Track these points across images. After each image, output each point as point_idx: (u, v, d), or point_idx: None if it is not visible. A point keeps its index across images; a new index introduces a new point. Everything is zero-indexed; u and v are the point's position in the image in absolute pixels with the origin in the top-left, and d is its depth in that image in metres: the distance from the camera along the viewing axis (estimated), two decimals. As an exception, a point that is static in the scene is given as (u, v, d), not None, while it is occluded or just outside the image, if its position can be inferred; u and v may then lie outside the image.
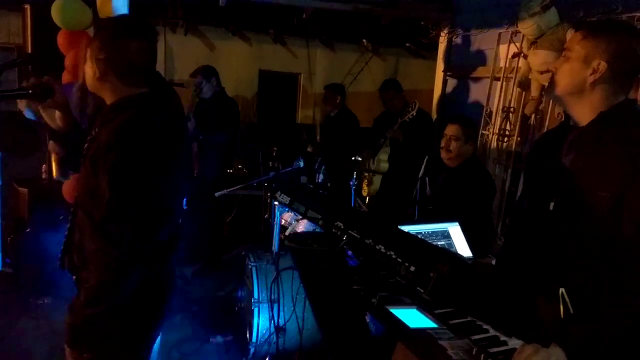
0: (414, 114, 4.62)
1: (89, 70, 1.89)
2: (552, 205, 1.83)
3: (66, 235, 2.03)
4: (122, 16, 2.08)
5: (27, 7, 4.38)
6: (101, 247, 1.77)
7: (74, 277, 2.00)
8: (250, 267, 3.53)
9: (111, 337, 1.88)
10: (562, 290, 1.72)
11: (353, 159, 4.68)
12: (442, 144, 3.50)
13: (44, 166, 4.77)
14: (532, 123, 4.25)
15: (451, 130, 3.47)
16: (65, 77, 4.03)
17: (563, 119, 1.98)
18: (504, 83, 4.63)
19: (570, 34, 1.86)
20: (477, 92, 5.20)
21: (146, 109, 1.87)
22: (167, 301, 2.06)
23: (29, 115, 2.17)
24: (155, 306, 2.01)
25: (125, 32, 1.91)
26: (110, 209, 1.74)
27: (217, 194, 4.10)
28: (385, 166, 4.94)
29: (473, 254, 2.72)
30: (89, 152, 1.87)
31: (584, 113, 1.80)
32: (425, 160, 3.63)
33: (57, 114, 2.02)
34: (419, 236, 2.62)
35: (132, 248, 1.77)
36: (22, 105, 2.15)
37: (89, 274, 1.81)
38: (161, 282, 2.02)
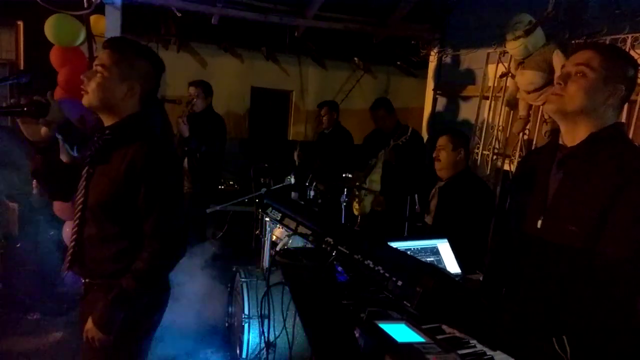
0: (407, 137, 4.65)
1: (116, 92, 2.00)
2: (539, 222, 1.86)
3: (73, 246, 2.10)
4: (132, 39, 2.20)
5: (20, 23, 4.41)
6: (152, 244, 2.01)
7: (84, 280, 2.15)
8: (240, 282, 3.54)
9: (134, 325, 2.09)
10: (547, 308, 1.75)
11: (344, 175, 4.71)
12: (434, 155, 3.60)
13: (35, 181, 4.77)
14: (519, 141, 4.32)
15: (440, 141, 3.61)
16: (58, 93, 4.06)
17: (550, 138, 2.02)
18: (493, 102, 4.70)
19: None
20: (466, 111, 5.28)
21: (157, 122, 2.12)
22: (167, 300, 2.25)
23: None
24: (162, 303, 2.22)
25: (146, 53, 2.11)
26: (162, 211, 2.00)
27: (208, 210, 4.11)
28: (377, 186, 4.97)
29: (461, 270, 2.75)
30: (102, 166, 2.02)
31: (578, 133, 1.81)
32: (409, 199, 3.71)
33: (43, 129, 2.03)
34: (408, 252, 2.64)
35: (181, 241, 2.08)
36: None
37: (137, 262, 2.01)
38: (166, 280, 2.24)
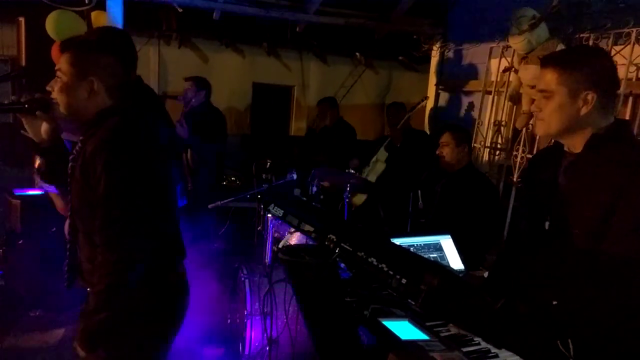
0: (424, 105, 4.83)
1: (78, 92, 1.90)
2: (547, 224, 1.86)
3: (68, 256, 2.03)
4: (92, 32, 2.11)
5: (21, 19, 4.39)
6: (102, 253, 1.80)
7: (89, 290, 2.03)
8: (242, 279, 3.53)
9: (125, 337, 1.91)
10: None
11: (346, 171, 4.70)
12: (437, 152, 3.62)
13: (37, 177, 4.76)
14: (522, 137, 4.30)
15: (442, 137, 3.64)
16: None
17: (555, 142, 2.01)
18: (495, 97, 4.68)
19: (536, 73, 1.86)
20: (468, 106, 5.26)
21: (127, 115, 1.93)
22: (181, 306, 2.11)
23: None
24: (169, 310, 2.06)
25: (101, 47, 1.97)
26: (105, 211, 1.78)
27: (210, 206, 4.10)
28: (381, 166, 5.00)
29: (465, 266, 2.74)
30: (75, 168, 1.91)
31: (578, 141, 1.81)
32: (412, 196, 3.74)
33: (44, 127, 2.00)
34: (411, 249, 2.64)
35: (130, 250, 1.80)
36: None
37: (96, 280, 1.82)
38: (172, 286, 2.07)
